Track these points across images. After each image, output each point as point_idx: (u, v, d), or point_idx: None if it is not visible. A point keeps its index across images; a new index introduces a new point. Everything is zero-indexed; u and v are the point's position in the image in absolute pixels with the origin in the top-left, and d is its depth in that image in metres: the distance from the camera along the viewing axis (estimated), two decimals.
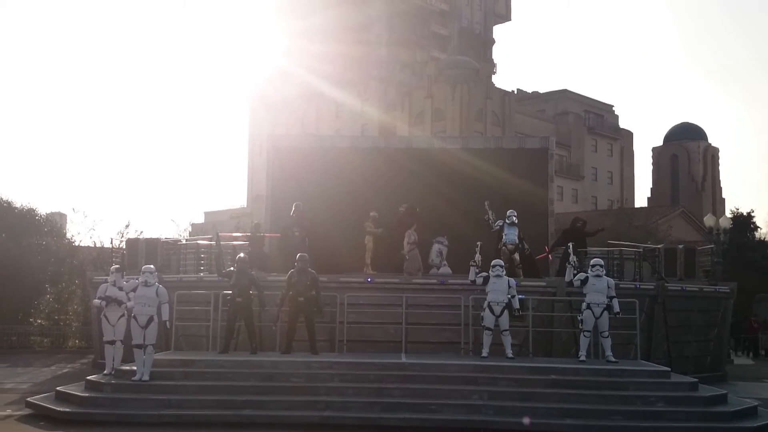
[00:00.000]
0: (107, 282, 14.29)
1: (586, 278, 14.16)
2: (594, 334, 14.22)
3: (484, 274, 14.42)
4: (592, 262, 14.52)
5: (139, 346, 12.91)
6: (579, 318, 14.44)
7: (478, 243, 15.79)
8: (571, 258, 16.05)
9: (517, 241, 17.05)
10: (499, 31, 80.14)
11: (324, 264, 16.59)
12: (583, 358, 14.00)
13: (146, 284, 13.21)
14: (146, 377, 12.75)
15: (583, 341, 14.18)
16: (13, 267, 26.11)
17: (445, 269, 17.95)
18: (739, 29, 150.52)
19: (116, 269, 14.53)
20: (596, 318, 13.96)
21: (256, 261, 16.91)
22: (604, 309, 13.93)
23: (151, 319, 13.03)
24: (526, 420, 11.67)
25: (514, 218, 17.06)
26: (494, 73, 74.76)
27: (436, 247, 18.23)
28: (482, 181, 19.29)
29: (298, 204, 17.61)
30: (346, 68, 66.94)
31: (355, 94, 65.13)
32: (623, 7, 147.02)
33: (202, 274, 18.45)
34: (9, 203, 29.49)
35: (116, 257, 20.41)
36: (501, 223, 17.19)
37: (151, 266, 13.83)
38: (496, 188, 18.89)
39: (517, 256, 17.02)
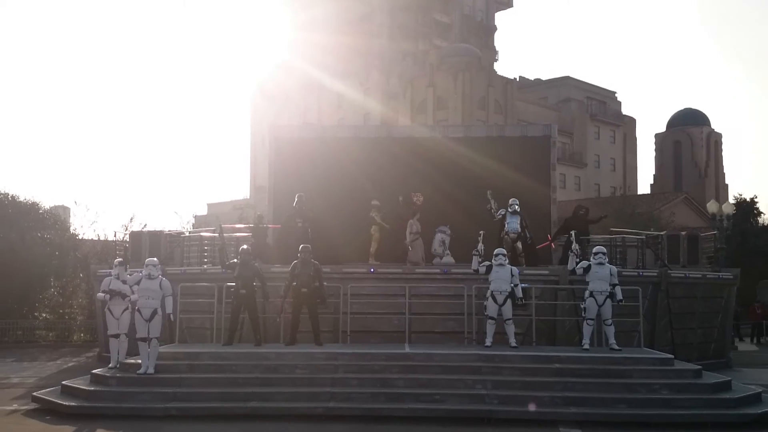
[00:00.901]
0: (111, 275, 14.32)
1: (589, 266, 14.15)
2: (597, 322, 14.23)
3: (487, 263, 14.42)
4: (594, 249, 14.50)
5: (143, 339, 12.95)
6: (582, 306, 14.44)
7: (481, 232, 15.78)
8: (573, 246, 16.04)
9: (519, 230, 17.05)
10: (501, 18, 79.87)
11: (326, 254, 16.62)
12: (586, 346, 14.02)
13: (150, 277, 13.22)
14: (151, 370, 12.80)
15: (587, 329, 14.19)
16: (18, 261, 26.15)
17: (449, 258, 17.96)
18: (742, 13, 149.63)
19: (119, 263, 14.56)
20: (599, 306, 13.96)
21: (259, 252, 16.93)
22: (607, 297, 13.93)
23: (155, 312, 13.05)
24: (531, 407, 11.74)
25: (516, 207, 17.06)
26: (496, 60, 74.44)
27: (438, 236, 18.24)
28: (484, 170, 19.29)
29: (300, 195, 17.63)
30: (347, 59, 66.68)
31: (356, 85, 64.92)
32: None
33: (205, 267, 18.50)
34: (13, 197, 29.53)
35: (120, 250, 20.44)
36: (503, 212, 17.18)
37: (155, 259, 13.83)
38: (498, 177, 18.87)
39: (519, 244, 17.02)
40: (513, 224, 17.11)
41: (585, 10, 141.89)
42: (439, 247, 18.19)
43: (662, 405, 11.94)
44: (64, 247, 29.02)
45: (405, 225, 17.82)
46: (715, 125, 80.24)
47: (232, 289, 14.48)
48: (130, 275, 14.08)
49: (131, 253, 18.92)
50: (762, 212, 41.16)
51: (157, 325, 13.04)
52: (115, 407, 12.10)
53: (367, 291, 15.83)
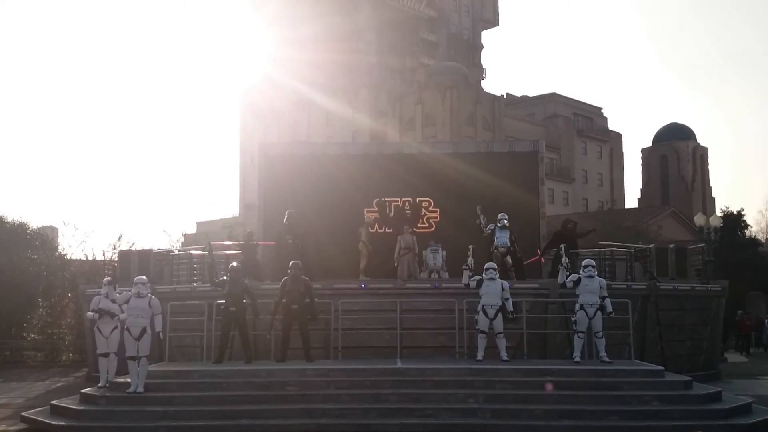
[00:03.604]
0: (100, 295, 14.26)
1: (579, 279, 14.21)
2: (588, 335, 14.27)
3: (478, 277, 14.45)
4: (583, 263, 14.57)
5: (132, 358, 12.87)
6: (572, 319, 14.49)
7: (471, 246, 15.83)
8: (563, 260, 16.10)
9: (509, 244, 17.13)
10: (487, 36, 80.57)
11: (317, 271, 16.62)
12: (577, 359, 14.05)
13: (139, 295, 13.16)
14: (140, 389, 12.70)
15: (577, 342, 14.23)
16: (6, 281, 25.98)
17: (445, 274, 17.96)
18: (725, 31, 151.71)
19: (108, 282, 14.49)
20: (590, 318, 14.00)
21: (249, 269, 16.89)
22: (597, 309, 13.98)
23: (144, 331, 12.99)
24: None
25: (506, 221, 17.16)
26: (483, 78, 75.21)
27: (440, 253, 18.19)
28: (473, 186, 19.40)
29: (290, 211, 17.68)
30: (336, 76, 67.05)
31: (345, 102, 65.22)
32: (610, 11, 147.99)
33: (195, 285, 18.41)
34: (1, 218, 29.39)
35: (108, 270, 20.32)
36: (492, 227, 17.27)
37: (144, 277, 13.78)
38: (487, 192, 18.99)
39: (509, 258, 17.09)
40: (502, 239, 17.19)
41: (570, 27, 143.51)
42: (438, 262, 18.12)
43: (653, 416, 11.97)
44: (52, 267, 28.85)
45: (395, 239, 17.86)
46: (701, 139, 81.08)
47: (222, 307, 14.43)
48: (119, 294, 14.02)
49: (120, 272, 18.79)
50: (749, 225, 41.59)
51: (146, 344, 12.96)
52: (104, 426, 12.00)
53: (358, 306, 15.80)
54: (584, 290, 14.09)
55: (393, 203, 20.02)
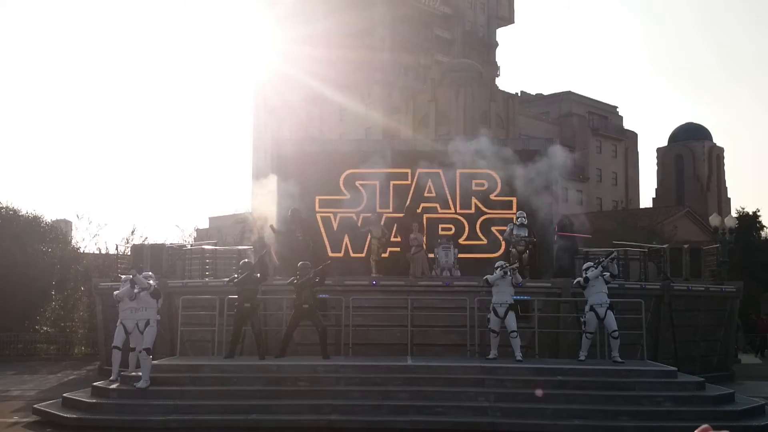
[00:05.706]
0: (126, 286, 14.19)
1: (587, 279, 14.07)
2: (600, 334, 14.18)
3: (494, 275, 14.34)
4: (584, 266, 14.50)
5: (133, 350, 13.03)
6: (582, 320, 14.40)
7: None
8: (612, 255, 15.37)
9: (526, 241, 17.09)
10: (502, 33, 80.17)
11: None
12: (582, 357, 14.00)
13: (143, 289, 13.25)
14: (140, 384, 12.63)
15: (585, 342, 14.16)
16: (19, 274, 26.13)
17: (456, 272, 17.89)
18: (742, 31, 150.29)
19: (130, 276, 14.34)
20: (600, 319, 13.90)
21: (258, 265, 16.83)
22: (608, 309, 13.87)
23: (147, 323, 13.08)
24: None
25: (523, 219, 17.11)
26: (498, 75, 74.85)
27: (452, 251, 18.11)
28: None
29: (294, 209, 17.70)
30: (349, 72, 66.97)
31: (358, 98, 65.14)
32: (625, 8, 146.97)
33: (207, 279, 18.47)
34: (15, 211, 29.59)
35: (121, 264, 20.39)
36: (511, 227, 17.22)
37: (149, 272, 13.90)
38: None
39: (526, 256, 17.03)
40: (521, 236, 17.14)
41: (586, 25, 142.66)
42: (450, 260, 18.05)
43: (665, 417, 11.89)
44: (66, 260, 29.00)
45: (408, 236, 17.81)
46: (717, 140, 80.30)
47: (236, 303, 14.45)
48: (121, 287, 13.82)
49: (133, 266, 18.86)
50: (765, 226, 41.17)
51: (149, 336, 13.02)
52: (115, 420, 12.05)
53: (369, 303, 15.80)
54: (592, 291, 14.01)
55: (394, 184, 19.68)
